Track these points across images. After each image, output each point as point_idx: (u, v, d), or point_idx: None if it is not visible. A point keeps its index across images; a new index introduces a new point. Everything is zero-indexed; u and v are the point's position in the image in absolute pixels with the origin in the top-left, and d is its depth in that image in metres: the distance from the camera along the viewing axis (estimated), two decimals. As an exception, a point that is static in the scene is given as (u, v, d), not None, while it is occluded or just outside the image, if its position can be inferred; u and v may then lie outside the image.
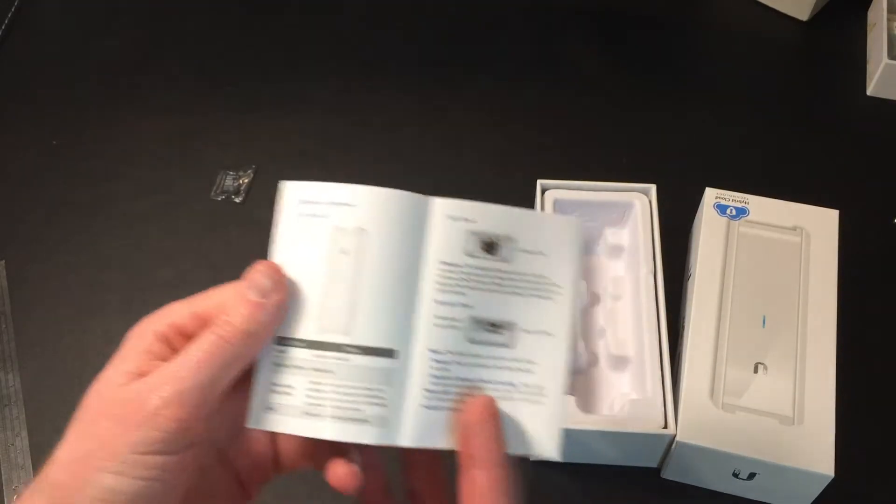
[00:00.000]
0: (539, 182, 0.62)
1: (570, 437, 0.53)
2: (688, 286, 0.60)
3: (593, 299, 0.61)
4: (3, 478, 0.56)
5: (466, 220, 0.37)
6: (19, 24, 0.83)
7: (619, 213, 0.62)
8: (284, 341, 0.36)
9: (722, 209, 0.60)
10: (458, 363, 0.36)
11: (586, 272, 0.62)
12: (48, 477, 0.32)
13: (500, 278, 0.37)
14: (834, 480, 0.50)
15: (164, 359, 0.34)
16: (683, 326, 0.58)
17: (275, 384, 0.36)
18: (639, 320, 0.57)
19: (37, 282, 0.65)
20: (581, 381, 0.58)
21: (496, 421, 0.36)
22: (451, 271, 0.37)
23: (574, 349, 0.58)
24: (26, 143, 0.74)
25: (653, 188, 0.61)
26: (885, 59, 0.73)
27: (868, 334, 0.61)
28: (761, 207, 0.60)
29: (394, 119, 0.75)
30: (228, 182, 0.71)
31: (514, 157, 0.72)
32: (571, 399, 0.53)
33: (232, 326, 0.34)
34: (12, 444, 0.57)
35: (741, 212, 0.60)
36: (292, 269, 0.36)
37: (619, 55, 0.80)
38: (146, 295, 0.64)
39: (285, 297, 0.35)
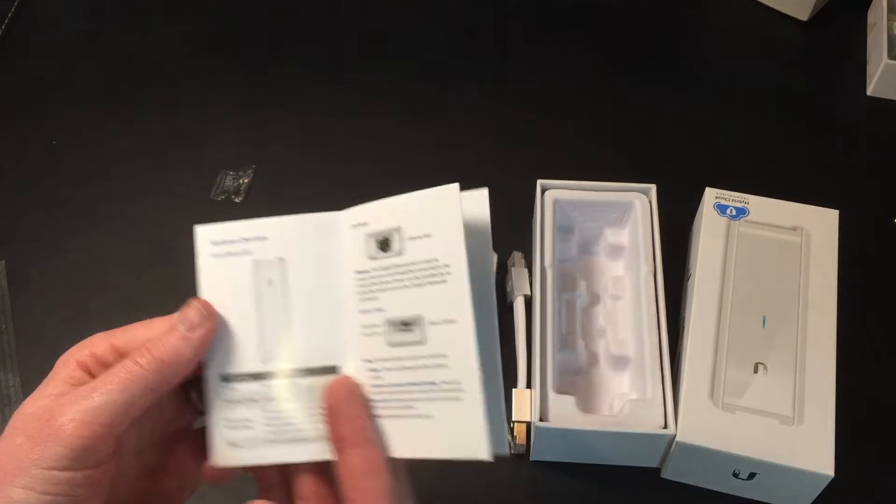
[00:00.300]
0: (539, 182, 0.62)
1: (570, 437, 0.53)
2: (688, 286, 0.60)
3: (593, 299, 0.61)
4: (3, 478, 0.56)
5: (363, 223, 0.37)
6: (19, 24, 0.83)
7: (619, 213, 0.62)
8: (231, 378, 0.37)
9: (722, 209, 0.60)
10: (388, 369, 0.36)
11: (586, 272, 0.62)
12: None
13: (399, 273, 0.36)
14: (834, 480, 0.50)
15: (83, 384, 0.35)
16: (683, 326, 0.58)
17: (231, 420, 0.36)
18: (639, 320, 0.57)
19: (37, 282, 0.65)
20: (581, 381, 0.58)
21: (359, 399, 0.36)
22: (363, 279, 0.37)
23: (574, 348, 0.58)
24: (26, 143, 0.74)
25: (653, 188, 0.61)
26: (885, 59, 0.73)
27: (868, 334, 0.61)
28: (761, 207, 0.60)
29: (393, 119, 0.75)
30: (228, 182, 0.71)
31: (514, 157, 0.72)
32: (571, 399, 0.53)
33: (151, 356, 0.35)
34: (12, 444, 0.57)
35: (741, 212, 0.60)
36: (222, 308, 0.37)
37: (619, 55, 0.80)
38: (146, 295, 0.64)
39: (211, 332, 0.37)
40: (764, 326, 0.55)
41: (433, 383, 0.34)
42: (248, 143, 0.73)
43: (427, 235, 0.35)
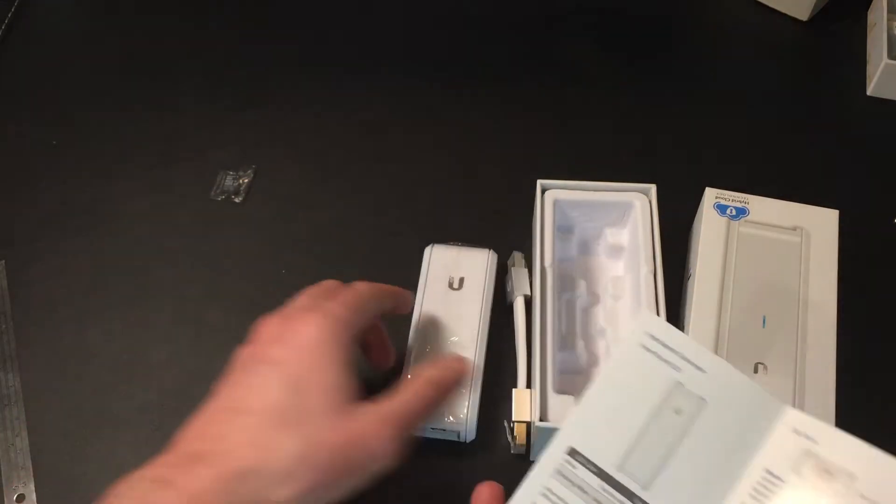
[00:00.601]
0: (539, 182, 0.62)
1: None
2: (688, 286, 0.60)
3: (593, 299, 0.61)
4: (3, 478, 0.56)
5: (811, 439, 0.35)
6: (19, 24, 0.83)
7: (619, 213, 0.62)
8: (578, 456, 0.35)
9: (722, 209, 0.60)
10: None
11: (586, 272, 0.62)
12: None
13: None
14: (834, 480, 0.50)
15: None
16: (683, 326, 0.58)
17: (550, 491, 0.35)
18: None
19: (37, 282, 0.65)
20: (581, 381, 0.58)
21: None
22: (771, 482, 0.35)
23: (574, 348, 0.58)
24: (26, 143, 0.74)
25: (653, 188, 0.61)
26: (885, 59, 0.73)
27: (868, 335, 0.61)
28: (761, 207, 0.60)
29: (393, 119, 0.75)
30: (228, 182, 0.71)
31: (514, 157, 0.72)
32: (571, 399, 0.53)
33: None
34: (12, 444, 0.57)
35: (741, 212, 0.60)
36: (616, 393, 0.35)
37: (619, 55, 0.80)
38: (146, 295, 0.64)
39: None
40: (764, 326, 0.55)
41: None
42: (248, 143, 0.73)
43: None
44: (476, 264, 0.60)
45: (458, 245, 0.62)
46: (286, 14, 0.83)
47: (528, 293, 0.60)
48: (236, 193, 0.70)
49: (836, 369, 0.53)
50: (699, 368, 0.36)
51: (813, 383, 0.53)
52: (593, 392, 0.35)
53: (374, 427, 0.41)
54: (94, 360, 0.61)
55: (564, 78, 0.78)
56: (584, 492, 0.35)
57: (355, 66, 0.79)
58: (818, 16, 0.81)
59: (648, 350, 0.36)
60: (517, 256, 0.63)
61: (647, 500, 0.35)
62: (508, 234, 0.65)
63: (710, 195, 0.60)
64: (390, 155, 0.72)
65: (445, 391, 0.47)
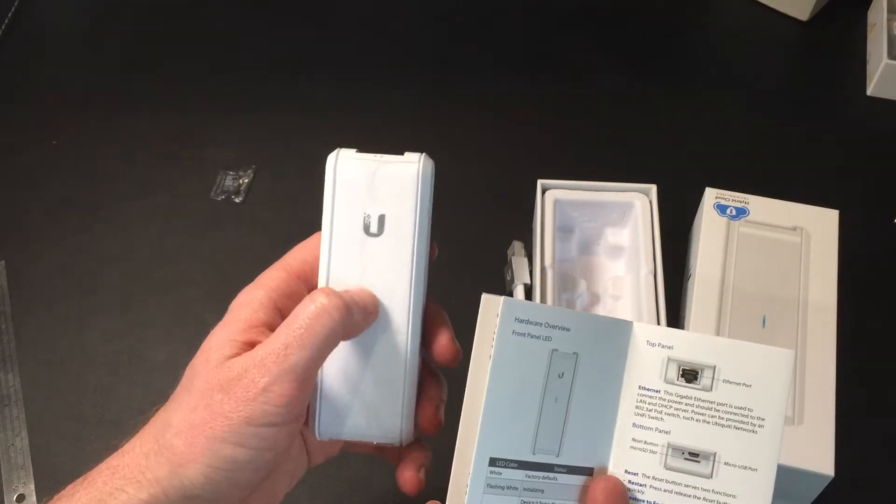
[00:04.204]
0: (539, 182, 0.62)
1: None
2: (688, 286, 0.60)
3: (593, 299, 0.61)
4: (3, 478, 0.56)
5: (666, 346, 0.38)
6: (19, 24, 0.83)
7: (619, 213, 0.62)
8: (499, 462, 0.36)
9: (722, 209, 0.60)
10: (653, 487, 0.37)
11: (586, 272, 0.62)
12: (164, 439, 0.35)
13: (701, 407, 0.37)
14: (834, 480, 0.50)
15: (270, 324, 0.37)
16: (683, 326, 0.58)
17: None
18: (639, 320, 0.56)
19: (37, 282, 0.65)
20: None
21: (623, 502, 0.37)
22: (649, 396, 0.38)
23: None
24: (26, 143, 0.74)
25: (653, 188, 0.61)
26: (885, 59, 0.73)
27: (868, 334, 0.61)
28: (761, 207, 0.60)
29: (393, 118, 0.75)
30: (228, 182, 0.71)
31: (514, 157, 0.72)
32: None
33: (334, 295, 0.36)
34: (12, 444, 0.57)
35: (741, 212, 0.60)
36: (508, 390, 0.36)
37: (619, 55, 0.80)
38: (146, 295, 0.64)
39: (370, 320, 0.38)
40: (764, 326, 0.55)
41: None
42: (248, 143, 0.73)
43: (746, 385, 0.37)
44: (402, 189, 0.41)
45: (373, 156, 0.43)
46: (286, 14, 0.83)
47: (528, 282, 0.59)
48: (236, 193, 0.70)
49: (836, 369, 0.53)
50: (565, 329, 0.37)
51: (813, 383, 0.53)
52: (489, 398, 0.35)
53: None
54: (94, 360, 0.61)
55: (564, 78, 0.78)
56: (515, 489, 0.36)
57: (355, 66, 0.79)
58: (818, 16, 0.81)
59: (520, 334, 0.36)
60: (517, 245, 0.63)
61: (563, 464, 0.37)
62: (508, 234, 0.65)
63: (710, 195, 0.60)
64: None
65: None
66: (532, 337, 0.36)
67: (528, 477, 0.36)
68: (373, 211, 0.40)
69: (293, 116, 0.75)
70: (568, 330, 0.37)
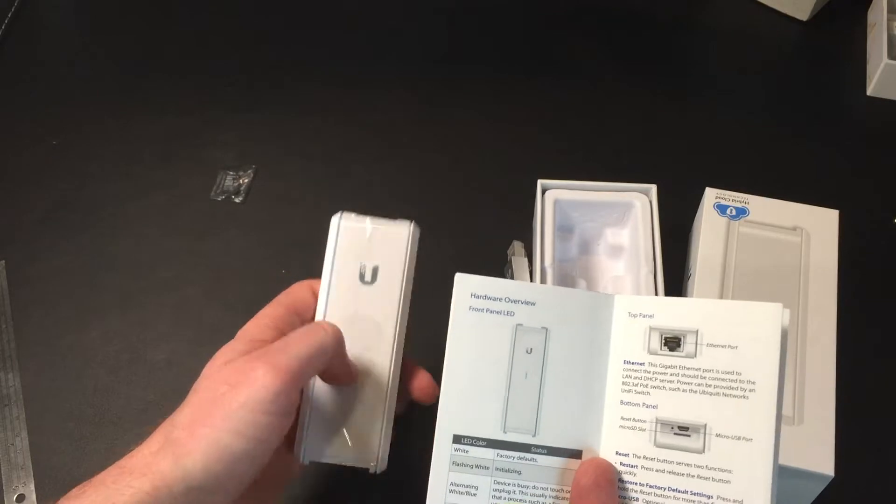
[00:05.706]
0: (539, 182, 0.62)
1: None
2: (688, 286, 0.60)
3: (593, 299, 0.61)
4: (3, 478, 0.56)
5: (646, 315, 0.36)
6: (19, 24, 0.83)
7: (619, 213, 0.62)
8: (464, 440, 0.35)
9: (722, 209, 0.60)
10: (645, 468, 0.34)
11: (586, 272, 0.62)
12: (171, 436, 0.37)
13: (686, 376, 0.35)
14: (834, 480, 0.50)
15: (273, 342, 0.41)
16: (683, 326, 0.58)
17: (455, 484, 0.35)
18: (639, 320, 0.57)
19: (37, 282, 0.65)
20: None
21: (614, 487, 0.35)
22: (634, 370, 0.35)
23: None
24: (26, 143, 0.74)
25: (653, 188, 0.61)
26: (885, 59, 0.73)
27: (868, 334, 0.61)
28: (761, 207, 0.60)
29: (393, 118, 0.75)
30: (228, 182, 0.71)
31: (514, 157, 0.72)
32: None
33: (329, 323, 0.42)
34: (12, 444, 0.57)
35: (741, 212, 0.60)
36: (468, 365, 0.36)
37: (620, 55, 0.80)
38: (146, 295, 0.64)
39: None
40: (764, 326, 0.55)
41: (707, 496, 0.33)
42: (248, 143, 0.73)
43: (732, 347, 0.34)
44: (394, 247, 0.46)
45: (370, 219, 0.47)
46: (286, 15, 0.83)
47: (529, 282, 0.59)
48: (236, 193, 0.70)
49: (836, 369, 0.53)
50: (529, 303, 0.36)
51: (813, 383, 0.53)
52: (448, 374, 0.35)
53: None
54: (94, 360, 0.61)
55: (564, 78, 0.78)
56: (485, 468, 0.35)
57: (355, 66, 0.79)
58: (818, 16, 0.81)
59: (477, 310, 0.36)
60: (517, 245, 0.63)
61: (542, 444, 0.35)
62: (508, 234, 0.65)
63: (710, 195, 0.60)
64: (390, 155, 0.72)
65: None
66: (491, 312, 0.36)
67: (500, 456, 0.35)
68: (369, 262, 0.45)
69: (293, 116, 0.75)
70: (533, 304, 0.36)
